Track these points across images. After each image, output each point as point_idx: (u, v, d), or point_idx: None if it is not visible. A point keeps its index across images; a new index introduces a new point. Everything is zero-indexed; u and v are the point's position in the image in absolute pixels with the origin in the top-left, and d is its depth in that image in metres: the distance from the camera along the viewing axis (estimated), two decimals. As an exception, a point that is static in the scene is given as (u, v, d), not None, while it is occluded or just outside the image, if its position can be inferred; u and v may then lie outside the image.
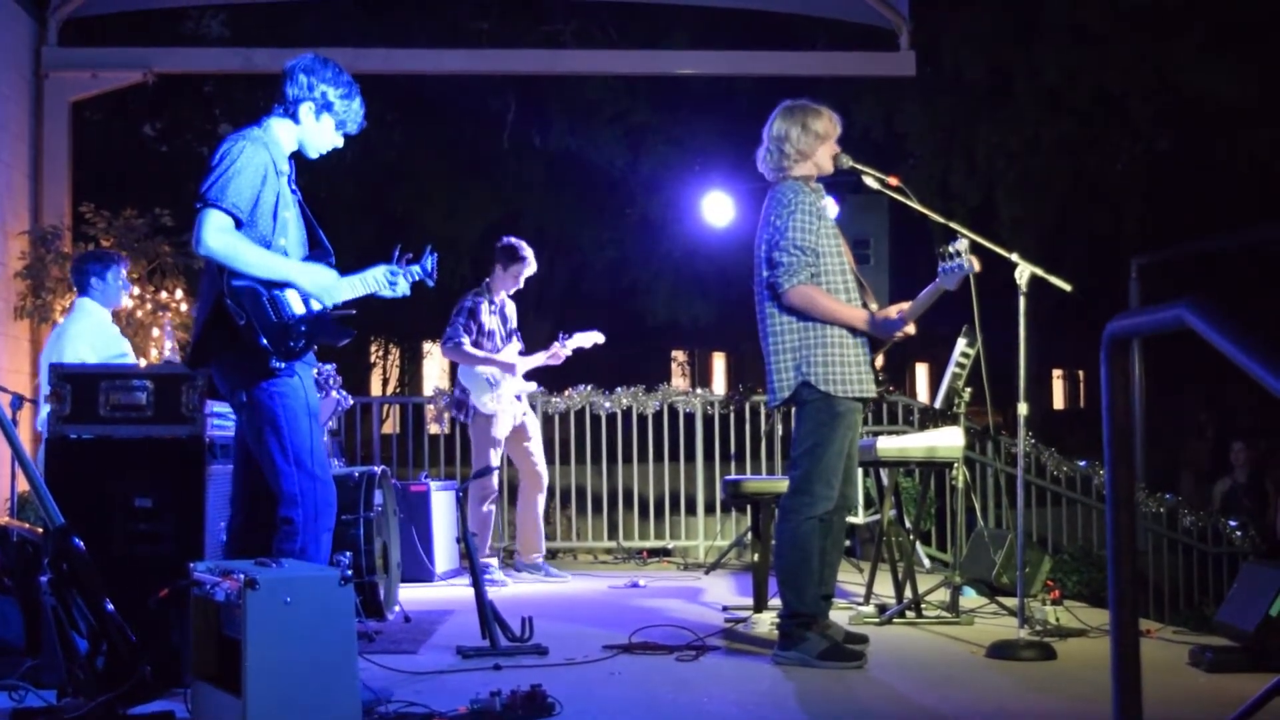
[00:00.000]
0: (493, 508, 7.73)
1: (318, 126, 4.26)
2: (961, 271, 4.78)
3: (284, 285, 4.08)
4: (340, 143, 4.35)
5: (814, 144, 4.95)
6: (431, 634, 5.56)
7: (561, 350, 7.75)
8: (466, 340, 7.54)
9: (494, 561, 7.82)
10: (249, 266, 4.00)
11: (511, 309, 7.90)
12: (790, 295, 4.79)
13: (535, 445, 7.87)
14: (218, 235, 3.96)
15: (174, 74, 11.44)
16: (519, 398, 7.82)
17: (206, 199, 3.99)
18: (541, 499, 7.86)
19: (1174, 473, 14.56)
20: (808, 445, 4.84)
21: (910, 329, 4.92)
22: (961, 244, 4.81)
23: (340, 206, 17.15)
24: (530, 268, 7.75)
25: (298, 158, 4.33)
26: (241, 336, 3.98)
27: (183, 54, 12.56)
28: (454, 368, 7.85)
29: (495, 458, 7.61)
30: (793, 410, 5.00)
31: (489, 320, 7.68)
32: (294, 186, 4.27)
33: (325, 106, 4.24)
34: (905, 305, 4.95)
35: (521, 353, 7.77)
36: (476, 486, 7.47)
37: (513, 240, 7.81)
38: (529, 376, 7.84)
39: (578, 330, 7.86)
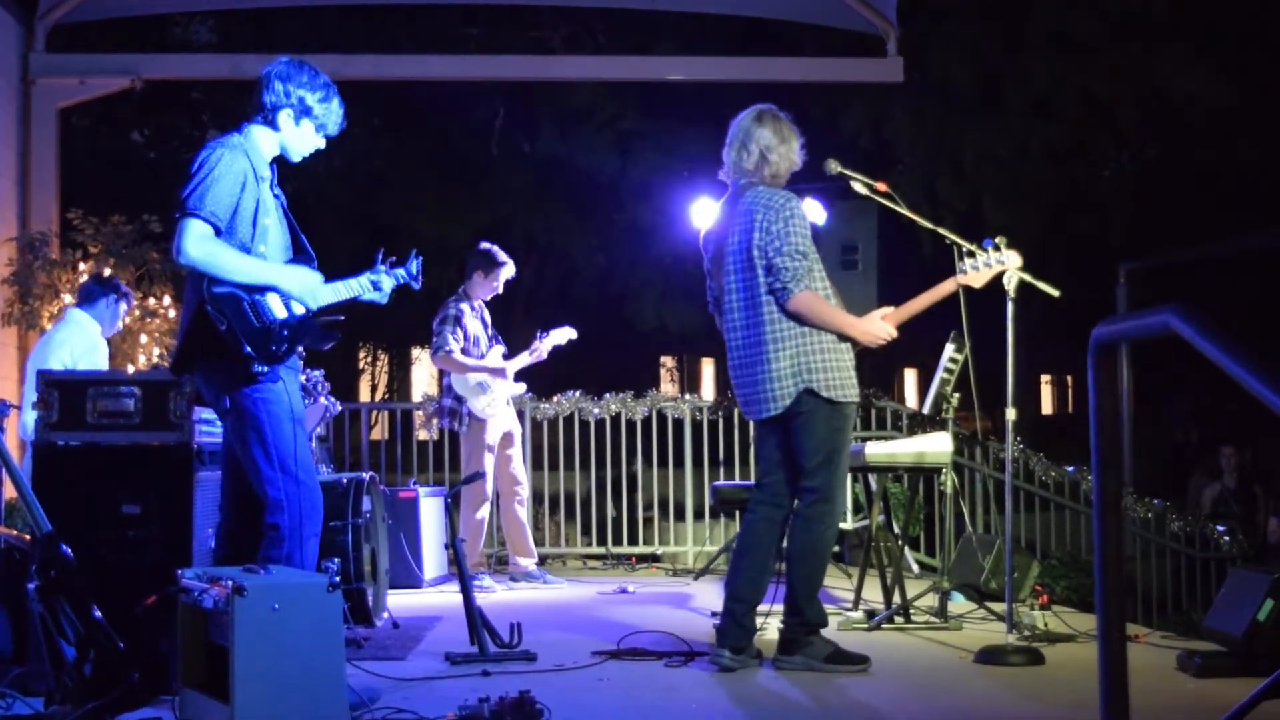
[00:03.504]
0: (485, 514, 7.72)
1: (298, 131, 4.25)
2: (990, 269, 5.00)
3: (265, 290, 4.08)
4: (322, 144, 4.34)
5: (789, 165, 5.02)
6: (420, 640, 5.56)
7: (540, 347, 7.74)
8: (456, 348, 7.52)
9: (484, 567, 7.81)
10: (230, 273, 4.00)
11: (486, 314, 7.90)
12: (796, 300, 4.79)
13: (517, 452, 7.89)
14: (198, 244, 3.96)
15: (162, 80, 11.44)
16: (509, 403, 7.82)
17: (186, 208, 3.98)
18: (520, 506, 7.85)
19: (1157, 478, 14.58)
20: (824, 454, 4.84)
21: (894, 333, 4.98)
22: (1000, 240, 5.00)
23: (329, 214, 17.09)
24: (509, 270, 7.73)
25: (282, 162, 4.32)
26: (224, 342, 3.97)
27: (170, 60, 12.59)
28: (442, 375, 7.84)
29: (488, 464, 7.59)
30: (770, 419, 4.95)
31: (473, 326, 7.66)
32: (276, 191, 4.27)
33: (304, 111, 4.23)
34: (890, 310, 5.00)
35: (505, 356, 7.77)
36: (468, 492, 7.45)
37: (489, 245, 7.79)
38: (516, 379, 7.84)
39: (554, 328, 7.87)
